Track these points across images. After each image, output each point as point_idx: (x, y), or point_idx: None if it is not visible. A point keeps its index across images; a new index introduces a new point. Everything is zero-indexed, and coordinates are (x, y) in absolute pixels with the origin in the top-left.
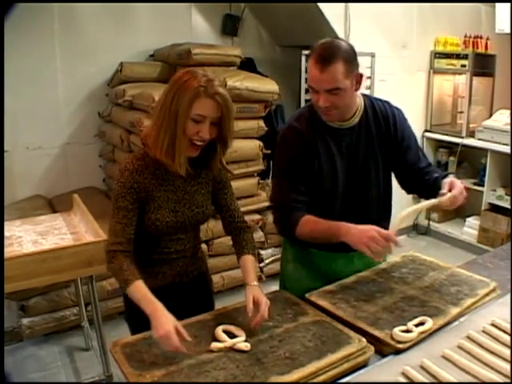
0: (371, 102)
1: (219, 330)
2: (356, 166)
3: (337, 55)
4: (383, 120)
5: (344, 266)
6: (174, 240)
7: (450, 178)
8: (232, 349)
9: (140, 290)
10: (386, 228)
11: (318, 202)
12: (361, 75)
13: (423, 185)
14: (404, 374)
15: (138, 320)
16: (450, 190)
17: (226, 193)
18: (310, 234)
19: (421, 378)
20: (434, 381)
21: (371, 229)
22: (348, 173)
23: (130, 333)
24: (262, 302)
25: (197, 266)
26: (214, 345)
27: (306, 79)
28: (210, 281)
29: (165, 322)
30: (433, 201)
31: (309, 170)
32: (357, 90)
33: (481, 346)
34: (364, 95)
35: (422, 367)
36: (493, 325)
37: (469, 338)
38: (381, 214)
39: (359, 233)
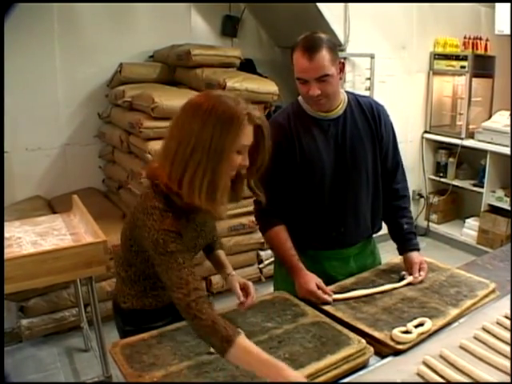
0: (354, 97)
1: None
2: (344, 155)
3: (321, 44)
4: (369, 113)
5: (338, 267)
6: None
7: (418, 257)
8: None
9: (249, 350)
10: (377, 219)
11: (307, 190)
12: (343, 64)
13: (389, 214)
14: (424, 363)
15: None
16: (419, 270)
17: None
18: (273, 248)
19: (440, 366)
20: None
21: (313, 283)
22: (336, 162)
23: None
24: (249, 285)
25: None
26: None
27: None
28: None
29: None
30: (401, 283)
31: (290, 162)
32: (341, 78)
33: (485, 343)
34: (346, 91)
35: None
36: (506, 316)
37: (477, 334)
38: (371, 204)
39: (303, 284)
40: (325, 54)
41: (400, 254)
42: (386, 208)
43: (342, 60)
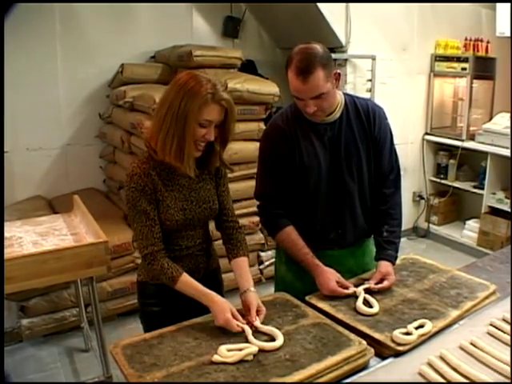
0: (352, 99)
1: (223, 349)
2: (338, 158)
3: (314, 64)
4: (364, 115)
5: (338, 264)
6: (183, 237)
7: (386, 267)
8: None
9: (189, 284)
10: (370, 218)
11: (303, 194)
12: (339, 74)
13: (374, 218)
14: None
15: (152, 318)
16: (382, 278)
17: (224, 190)
18: (286, 249)
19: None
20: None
21: (332, 282)
22: (331, 165)
23: (133, 332)
24: (262, 311)
25: (208, 263)
26: (216, 358)
27: None
28: (221, 279)
29: (221, 310)
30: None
31: (290, 165)
32: (337, 87)
33: (482, 349)
34: (345, 93)
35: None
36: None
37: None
38: (367, 205)
39: (323, 283)
40: (319, 74)
41: (375, 259)
42: (373, 211)
43: (338, 71)
